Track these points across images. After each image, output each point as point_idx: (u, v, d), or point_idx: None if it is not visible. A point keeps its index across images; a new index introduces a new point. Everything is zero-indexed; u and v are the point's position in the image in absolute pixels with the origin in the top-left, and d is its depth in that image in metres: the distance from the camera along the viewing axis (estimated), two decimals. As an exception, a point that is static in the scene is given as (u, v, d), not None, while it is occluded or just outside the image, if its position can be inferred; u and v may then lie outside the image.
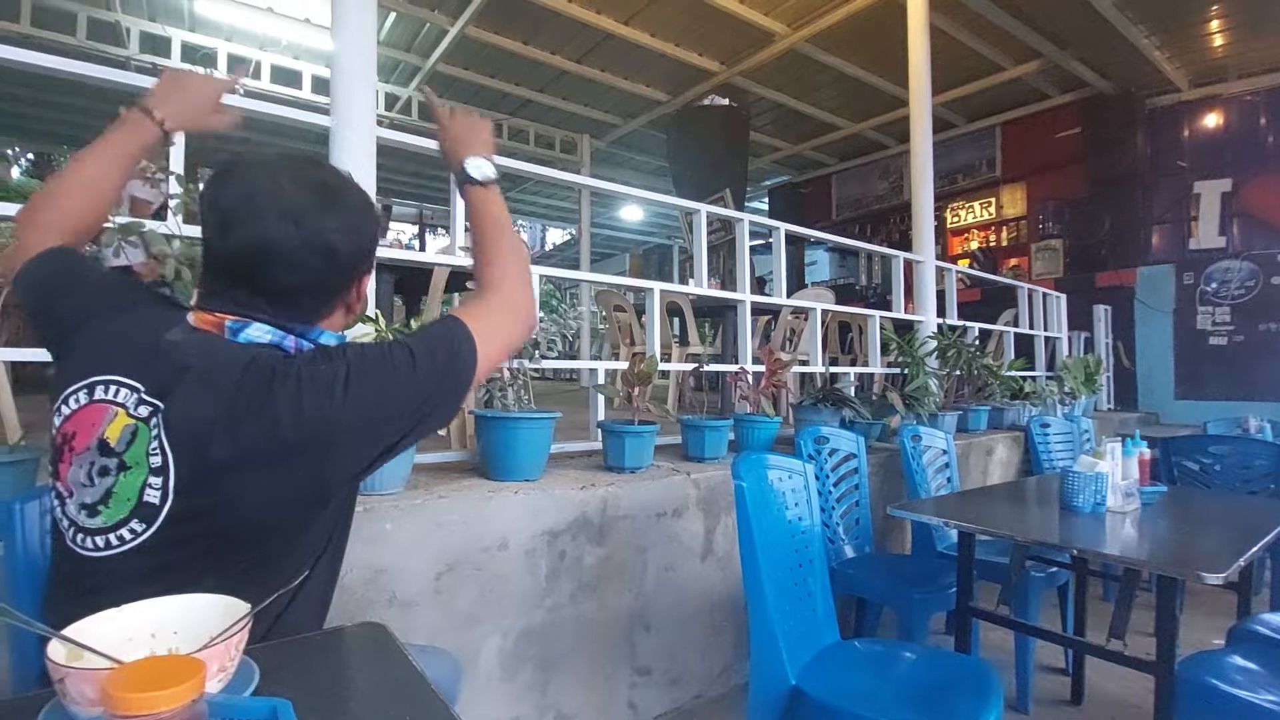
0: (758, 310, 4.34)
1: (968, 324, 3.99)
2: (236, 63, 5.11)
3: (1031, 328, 4.62)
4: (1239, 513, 1.96)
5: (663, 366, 2.49)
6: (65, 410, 0.78)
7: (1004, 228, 7.33)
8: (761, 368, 2.54)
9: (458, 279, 2.52)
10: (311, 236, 0.77)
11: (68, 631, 0.61)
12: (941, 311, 3.96)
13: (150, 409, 0.74)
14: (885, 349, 3.45)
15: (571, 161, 7.19)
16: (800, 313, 3.83)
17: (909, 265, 3.78)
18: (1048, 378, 4.53)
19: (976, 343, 3.86)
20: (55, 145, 7.71)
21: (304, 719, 0.64)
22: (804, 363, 3.26)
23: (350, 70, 1.80)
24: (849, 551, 2.23)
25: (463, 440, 2.00)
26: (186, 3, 4.61)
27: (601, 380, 2.27)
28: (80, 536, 0.76)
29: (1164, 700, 1.35)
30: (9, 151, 8.61)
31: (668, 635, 1.96)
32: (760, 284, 5.84)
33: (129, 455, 0.74)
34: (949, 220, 7.80)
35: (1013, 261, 7.16)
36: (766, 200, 9.58)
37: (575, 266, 7.63)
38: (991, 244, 7.47)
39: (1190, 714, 1.40)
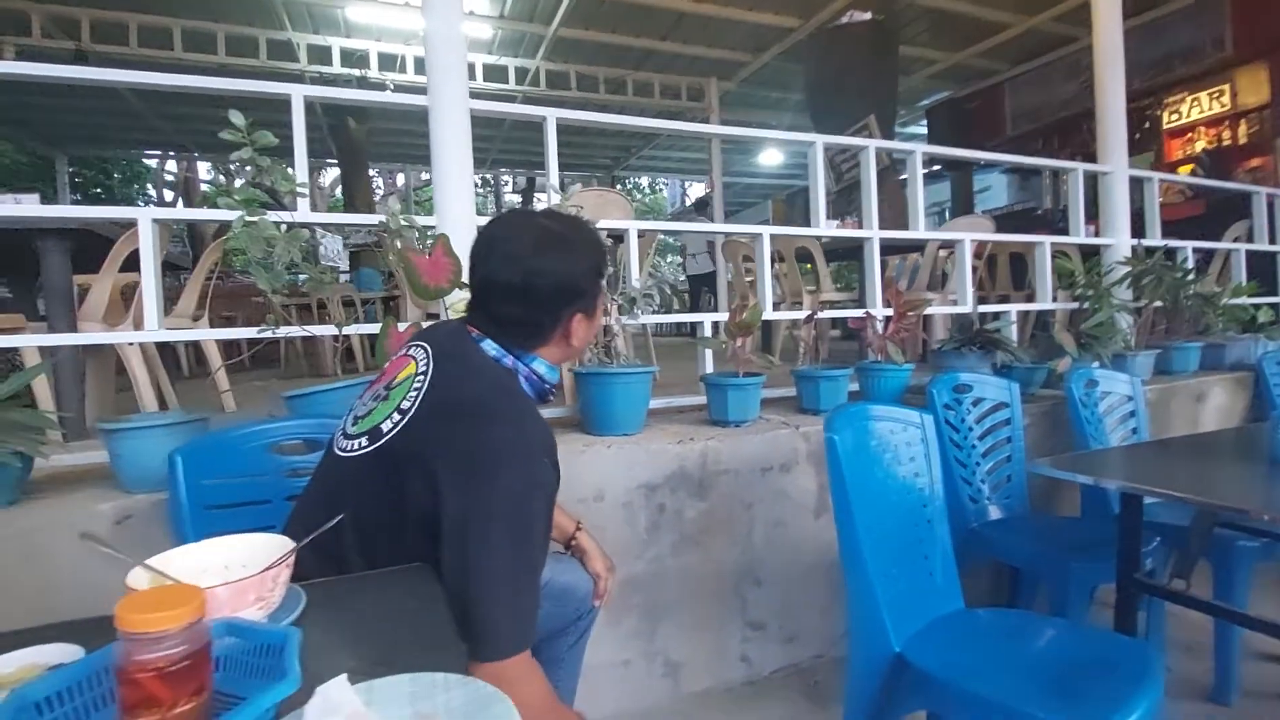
0: (900, 248, 3.94)
1: (1178, 243, 3.27)
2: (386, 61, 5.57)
3: (1273, 242, 3.68)
4: None
5: (773, 315, 2.35)
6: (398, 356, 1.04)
7: (1241, 121, 5.85)
8: (891, 311, 2.30)
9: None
10: (521, 276, 0.94)
11: (151, 561, 0.72)
12: (1140, 232, 3.28)
13: (425, 368, 0.95)
14: (1066, 283, 2.93)
15: (699, 109, 6.95)
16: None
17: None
18: (1299, 304, 3.59)
19: (1189, 267, 3.16)
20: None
21: (333, 646, 0.70)
22: (953, 303, 2.90)
23: (440, 46, 1.86)
24: (995, 512, 1.97)
25: (567, 397, 2.06)
26: (340, 12, 5.10)
27: (709, 333, 2.20)
28: (341, 440, 0.97)
29: None
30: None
31: (781, 592, 1.89)
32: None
33: (394, 393, 0.95)
34: (1166, 119, 6.40)
35: (1254, 162, 5.72)
36: (925, 123, 8.55)
37: (710, 219, 7.45)
38: (1225, 143, 6.01)
39: None
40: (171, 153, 9.74)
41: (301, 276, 1.48)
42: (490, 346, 0.97)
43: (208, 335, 1.70)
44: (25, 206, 1.73)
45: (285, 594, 0.74)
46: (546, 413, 2.00)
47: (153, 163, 11.53)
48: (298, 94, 1.68)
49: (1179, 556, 1.44)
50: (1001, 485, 2.02)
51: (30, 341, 1.54)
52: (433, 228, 1.76)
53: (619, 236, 2.19)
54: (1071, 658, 1.21)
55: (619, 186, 16.29)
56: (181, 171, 11.19)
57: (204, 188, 11.39)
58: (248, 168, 1.40)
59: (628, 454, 1.70)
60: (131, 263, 1.94)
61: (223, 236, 2.54)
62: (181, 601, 0.52)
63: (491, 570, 0.82)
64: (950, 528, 1.80)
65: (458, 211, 1.78)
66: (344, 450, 0.95)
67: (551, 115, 1.96)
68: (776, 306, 3.65)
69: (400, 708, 0.56)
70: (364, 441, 0.93)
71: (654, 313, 1.98)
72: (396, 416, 0.91)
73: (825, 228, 2.50)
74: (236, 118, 1.32)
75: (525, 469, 0.86)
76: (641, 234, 3.18)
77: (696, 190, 15.71)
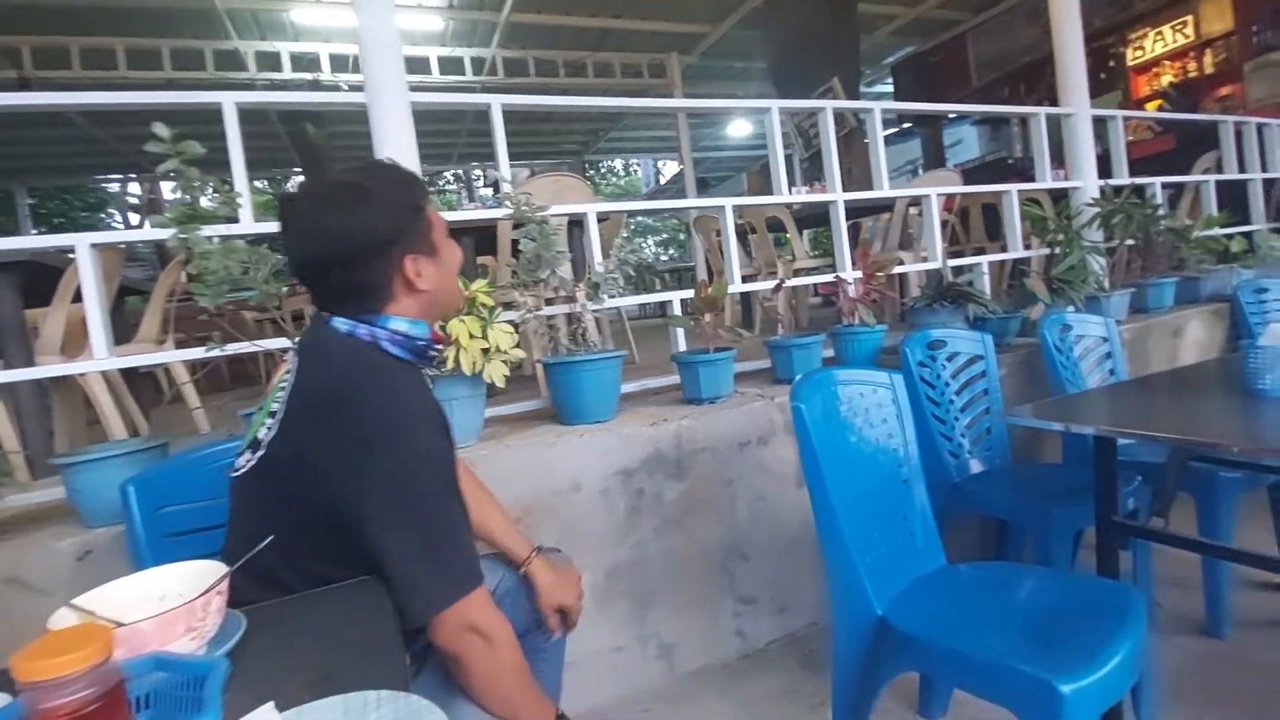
0: (872, 210, 3.91)
1: (1146, 180, 3.26)
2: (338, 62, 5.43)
3: (1243, 171, 3.67)
4: None
5: (742, 287, 2.33)
6: None
7: (1207, 51, 5.83)
8: (861, 274, 2.28)
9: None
10: (317, 246, 0.89)
11: (81, 599, 0.69)
12: (1109, 172, 3.26)
13: (291, 367, 0.92)
14: (1039, 229, 2.90)
15: (661, 85, 6.85)
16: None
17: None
18: (1271, 230, 3.60)
19: (1157, 203, 3.15)
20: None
21: (274, 669, 0.68)
22: (925, 260, 2.88)
23: (373, 42, 1.80)
24: (976, 466, 1.97)
25: (541, 388, 2.04)
26: (285, 16, 4.97)
27: (678, 310, 2.17)
28: (237, 461, 0.93)
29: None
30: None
31: (769, 565, 1.89)
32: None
33: (266, 400, 0.93)
34: (1130, 56, 6.38)
35: (1223, 91, 5.70)
36: (891, 81, 8.48)
37: (684, 196, 7.38)
38: (1191, 75, 5.99)
39: None
40: (133, 175, 9.55)
41: (250, 292, 1.42)
42: (340, 322, 0.91)
43: (155, 359, 1.66)
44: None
45: (224, 620, 0.72)
46: (517, 407, 1.97)
47: (115, 188, 11.31)
48: (228, 101, 1.62)
49: (1156, 494, 1.43)
50: (981, 438, 2.02)
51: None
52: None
53: (579, 221, 2.15)
54: (1053, 605, 1.20)
55: (590, 171, 16.14)
56: (145, 194, 10.98)
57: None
58: (190, 182, 1.35)
59: (601, 441, 1.68)
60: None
61: (176, 258, 2.49)
62: (84, 643, 0.50)
63: (400, 546, 0.81)
64: (932, 485, 1.80)
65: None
66: (234, 471, 0.93)
67: (496, 102, 1.91)
68: (753, 279, 3.63)
69: (332, 730, 0.54)
70: (247, 456, 0.90)
71: (623, 294, 1.94)
72: (269, 422, 0.88)
73: (788, 194, 2.46)
74: (160, 129, 1.27)
75: (405, 443, 0.83)
76: (606, 216, 3.14)
77: (671, 169, 15.58)
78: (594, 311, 1.98)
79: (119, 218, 11.92)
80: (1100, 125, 3.27)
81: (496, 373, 1.58)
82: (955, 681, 1.35)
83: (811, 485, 1.26)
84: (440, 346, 1.01)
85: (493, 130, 1.90)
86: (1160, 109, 5.76)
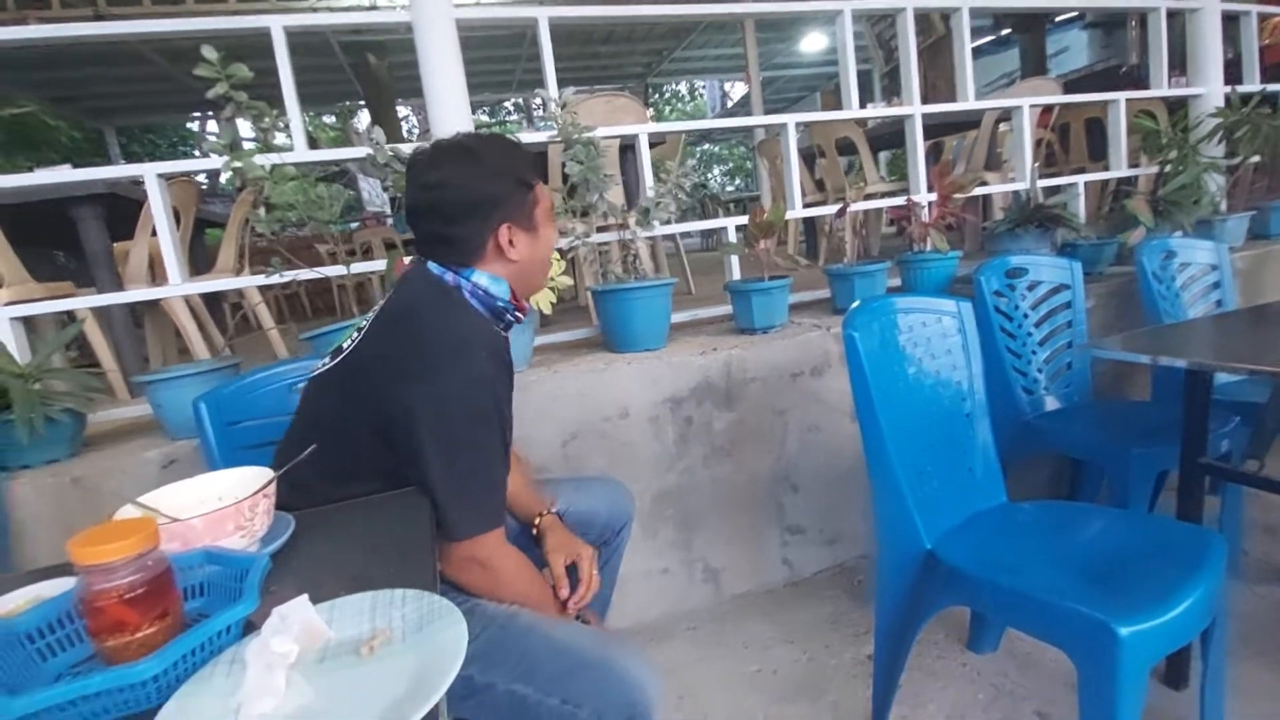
0: (955, 126, 3.59)
1: (1282, 86, 2.82)
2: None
3: None
4: None
5: (803, 213, 2.20)
6: None
7: (1384, -76, 4.88)
8: (936, 196, 2.11)
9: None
10: (425, 195, 0.97)
11: (145, 498, 0.75)
12: (1237, 79, 2.84)
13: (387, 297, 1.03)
14: (1153, 145, 2.58)
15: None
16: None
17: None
18: None
19: (1296, 111, 2.73)
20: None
21: (317, 568, 0.72)
22: (1013, 181, 2.63)
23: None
24: (1052, 403, 1.84)
25: (592, 317, 2.03)
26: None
27: (733, 238, 2.09)
28: (320, 362, 1.04)
29: None
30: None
31: (819, 496, 1.87)
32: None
33: (358, 320, 1.06)
34: (1281, -62, 5.44)
35: (1397, -24, 4.80)
36: (988, -17, 7.58)
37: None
38: (1359, -43, 5.06)
39: None
40: (210, 114, 9.91)
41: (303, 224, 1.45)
42: (434, 266, 1.00)
43: (226, 284, 1.74)
44: (38, 174, 1.78)
45: (275, 522, 0.76)
46: (569, 335, 1.98)
47: (195, 125, 11.80)
48: (276, 25, 1.61)
49: (1255, 436, 1.30)
50: (1061, 374, 1.88)
51: (64, 306, 1.61)
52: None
53: (631, 145, 2.07)
54: (1120, 546, 1.13)
55: (655, 95, 15.54)
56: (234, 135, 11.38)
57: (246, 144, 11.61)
58: (240, 106, 1.37)
59: (650, 369, 1.67)
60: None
61: (245, 189, 2.58)
62: (132, 533, 0.53)
63: (436, 461, 0.85)
64: (1001, 421, 1.70)
65: (454, 132, 1.70)
66: (316, 370, 1.03)
67: (543, 15, 1.82)
68: (821, 205, 3.42)
69: (360, 622, 0.57)
70: (327, 360, 1.00)
71: (675, 221, 1.87)
72: (355, 335, 0.98)
73: (858, 110, 2.27)
74: (209, 52, 1.28)
75: (461, 364, 0.88)
76: (662, 139, 3.01)
77: (739, 92, 14.78)
78: (646, 239, 1.93)
79: (199, 154, 12.49)
80: (1231, 25, 2.83)
81: (543, 300, 1.58)
82: (1005, 618, 1.31)
83: (862, 415, 1.21)
84: (520, 312, 1.06)
85: (540, 46, 1.82)
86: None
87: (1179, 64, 2.87)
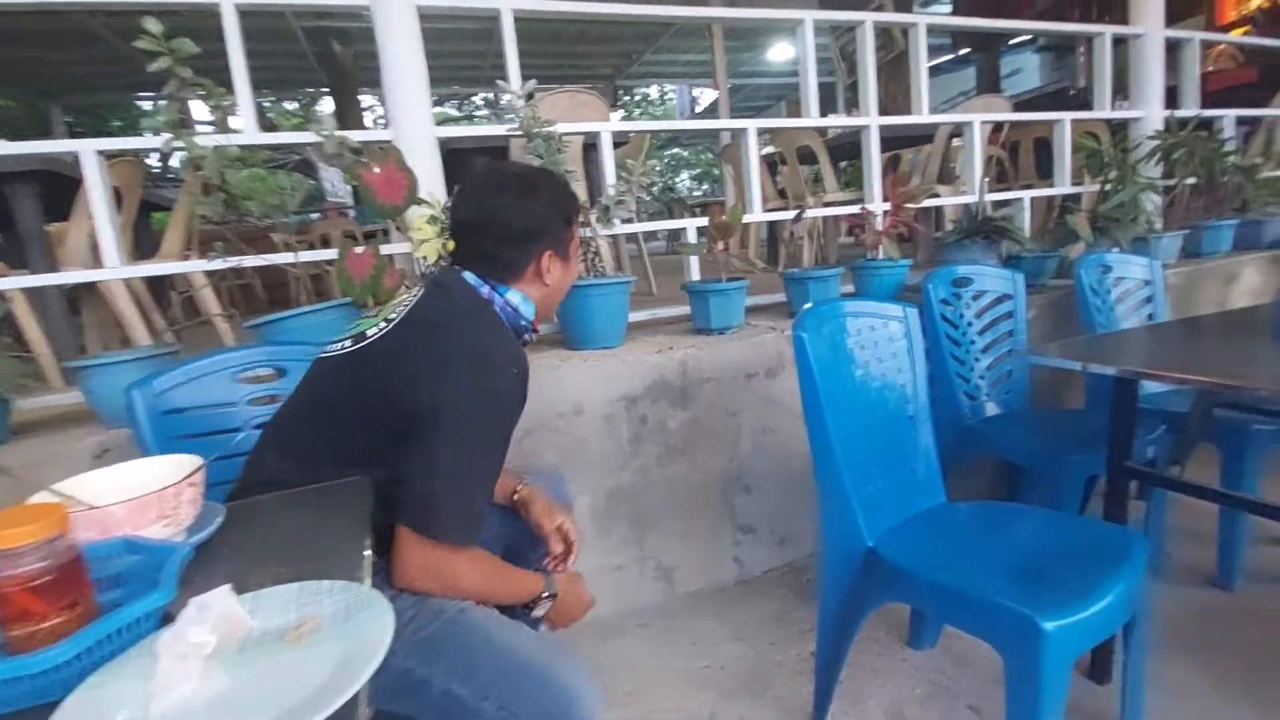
0: (912, 139, 3.69)
1: (1216, 112, 2.98)
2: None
3: (1330, 104, 3.34)
4: None
5: (761, 217, 2.24)
6: None
7: (1310, -33, 5.22)
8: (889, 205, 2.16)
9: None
10: (484, 214, 1.04)
11: (64, 484, 0.72)
12: (1178, 103, 3.00)
13: (416, 293, 1.05)
14: (1095, 165, 2.69)
15: None
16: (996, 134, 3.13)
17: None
18: (1353, 173, 3.29)
19: (1224, 139, 2.89)
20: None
21: (245, 560, 0.70)
22: (964, 194, 2.72)
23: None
24: (992, 409, 1.91)
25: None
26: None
27: (693, 239, 2.11)
28: (329, 347, 1.05)
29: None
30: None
31: (771, 497, 1.90)
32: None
33: (383, 310, 1.06)
34: (1219, -25, 5.77)
35: (1321, 16, 5.14)
36: (950, 2, 7.84)
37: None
38: (1288, -4, 5.40)
39: None
40: (162, 95, 9.53)
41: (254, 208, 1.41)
42: (470, 276, 1.05)
43: (165, 269, 1.68)
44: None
45: (202, 511, 0.74)
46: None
47: (147, 105, 11.31)
48: (227, 1, 1.56)
49: (1176, 442, 1.37)
50: (1001, 381, 1.95)
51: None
52: (389, 142, 1.68)
53: (595, 143, 2.07)
54: (1048, 545, 1.18)
55: (625, 97, 15.56)
56: (175, 112, 10.95)
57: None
58: (185, 82, 1.32)
59: (605, 366, 1.67)
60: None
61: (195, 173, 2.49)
62: (37, 519, 0.51)
63: (446, 458, 0.87)
64: (943, 425, 1.76)
65: (412, 122, 1.68)
66: (328, 352, 1.03)
67: (506, 6, 1.80)
68: (781, 210, 3.47)
69: (285, 612, 0.56)
70: (347, 344, 1.00)
71: (635, 219, 1.88)
72: (382, 324, 0.99)
73: (818, 118, 2.31)
74: (151, 24, 1.23)
75: (489, 374, 0.92)
76: (626, 139, 3.03)
77: (708, 98, 14.90)
78: (607, 237, 1.94)
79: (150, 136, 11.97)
80: (1174, 53, 2.98)
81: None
82: (940, 614, 1.36)
83: (809, 415, 1.24)
84: (534, 332, 1.13)
85: (502, 38, 1.80)
86: (1246, 35, 5.22)
87: (1123, 88, 3.01)
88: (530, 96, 1.67)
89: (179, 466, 0.76)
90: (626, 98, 16.43)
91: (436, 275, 1.09)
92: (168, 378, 1.23)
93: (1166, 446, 1.67)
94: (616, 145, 3.00)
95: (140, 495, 0.65)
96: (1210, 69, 5.25)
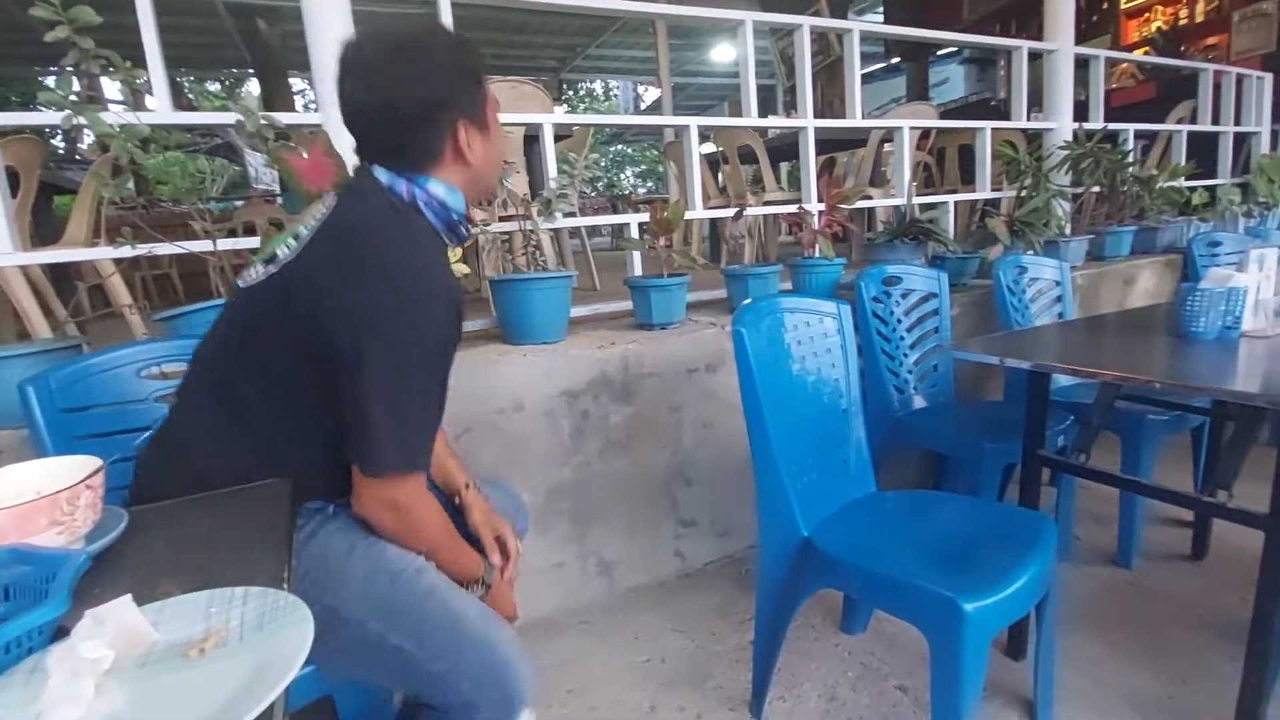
0: (849, 144, 3.81)
1: (1119, 126, 3.21)
2: None
3: (1215, 122, 3.65)
4: None
5: (701, 214, 2.26)
6: None
7: (1199, -3, 5.69)
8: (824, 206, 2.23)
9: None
10: (375, 95, 0.87)
11: (-59, 492, 0.65)
12: (1086, 116, 3.21)
13: (328, 203, 0.92)
14: (1013, 172, 2.85)
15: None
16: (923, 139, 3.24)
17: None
18: (1235, 184, 3.62)
19: (1126, 150, 3.12)
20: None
21: (151, 568, 0.65)
22: (895, 196, 2.82)
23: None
24: (920, 402, 2.00)
25: (491, 308, 1.98)
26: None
27: (635, 235, 2.11)
28: (249, 271, 0.92)
29: (1274, 560, 1.09)
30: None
31: (712, 490, 1.92)
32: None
33: (296, 228, 0.92)
34: (1123, -1, 6.21)
35: (1210, 40, 5.62)
36: (882, 10, 8.14)
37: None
38: (1182, 22, 5.87)
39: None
40: (69, 68, 8.79)
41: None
42: (382, 173, 0.91)
43: (65, 256, 1.55)
44: None
45: (102, 516, 0.68)
46: (465, 325, 1.92)
47: (51, 81, 10.42)
48: (136, -30, 1.45)
49: (1082, 431, 1.47)
50: (928, 375, 2.04)
51: None
52: (319, 126, 1.60)
53: (534, 136, 2.04)
54: (968, 531, 1.24)
55: (569, 91, 15.42)
56: (84, 88, 10.14)
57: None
58: (86, 54, 1.21)
59: (545, 362, 1.65)
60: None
61: (103, 155, 2.31)
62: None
63: (376, 398, 0.80)
64: (875, 417, 1.82)
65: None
66: (244, 281, 0.91)
67: (442, -10, 1.75)
68: (723, 208, 3.52)
69: (193, 623, 0.52)
70: (260, 270, 0.90)
71: (576, 214, 1.86)
72: (292, 242, 0.88)
73: (756, 119, 2.36)
74: (46, -9, 1.13)
75: (423, 308, 0.83)
76: (569, 132, 3.00)
77: (653, 95, 14.95)
78: (549, 231, 1.91)
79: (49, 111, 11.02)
80: (1083, 70, 3.19)
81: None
82: (870, 599, 1.42)
83: (748, 410, 1.26)
84: (472, 226, 1.00)
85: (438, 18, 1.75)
86: (1146, 55, 5.64)
87: (1038, 100, 3.20)
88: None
89: (75, 468, 0.70)
90: (571, 92, 16.29)
91: (350, 183, 0.95)
92: (67, 373, 1.14)
93: (1075, 436, 1.79)
94: (560, 139, 2.97)
95: (30, 500, 0.60)
96: (1114, 86, 5.66)
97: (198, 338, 1.26)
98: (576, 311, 1.95)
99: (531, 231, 1.80)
